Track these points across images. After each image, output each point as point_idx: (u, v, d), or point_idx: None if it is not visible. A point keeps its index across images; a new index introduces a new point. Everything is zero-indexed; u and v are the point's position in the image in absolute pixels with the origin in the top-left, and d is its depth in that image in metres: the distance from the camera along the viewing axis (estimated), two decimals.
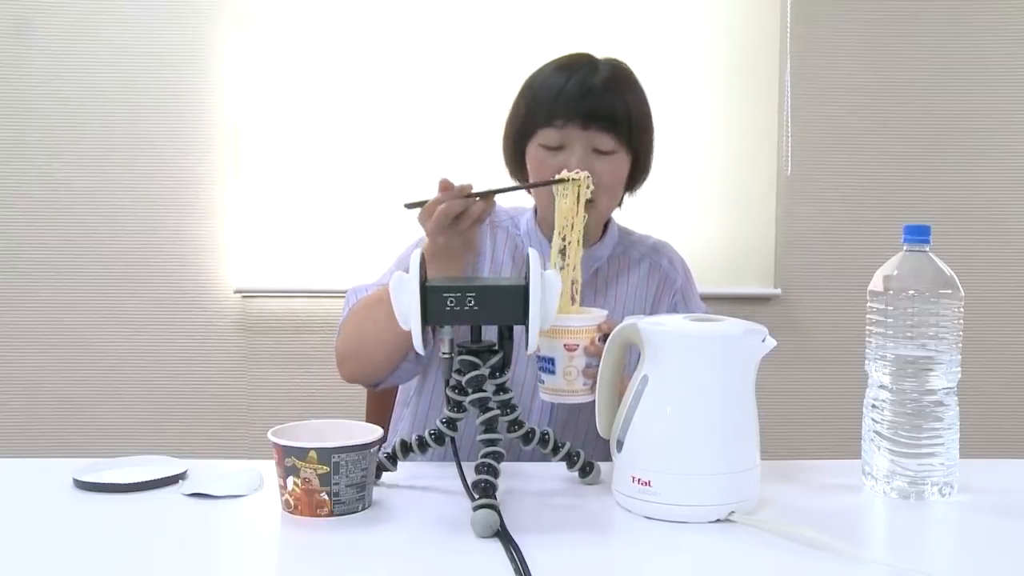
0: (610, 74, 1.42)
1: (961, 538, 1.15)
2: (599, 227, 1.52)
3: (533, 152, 1.43)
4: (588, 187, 1.36)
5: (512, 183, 1.49)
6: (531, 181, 1.45)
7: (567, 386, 1.28)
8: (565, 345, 1.26)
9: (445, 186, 1.31)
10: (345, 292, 1.45)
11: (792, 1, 2.85)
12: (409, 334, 1.41)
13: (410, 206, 1.35)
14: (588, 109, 1.39)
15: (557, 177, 1.37)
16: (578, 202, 1.35)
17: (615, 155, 1.42)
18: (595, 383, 1.25)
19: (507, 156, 1.50)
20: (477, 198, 1.31)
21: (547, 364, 1.28)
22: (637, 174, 1.49)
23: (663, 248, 1.60)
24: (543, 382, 1.30)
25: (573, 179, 1.35)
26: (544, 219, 1.51)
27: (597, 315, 1.31)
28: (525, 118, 1.44)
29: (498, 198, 1.34)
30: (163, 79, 2.81)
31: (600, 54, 1.48)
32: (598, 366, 1.25)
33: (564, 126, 1.39)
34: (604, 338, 1.28)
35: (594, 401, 1.24)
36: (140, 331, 2.84)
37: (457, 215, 1.30)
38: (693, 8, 2.86)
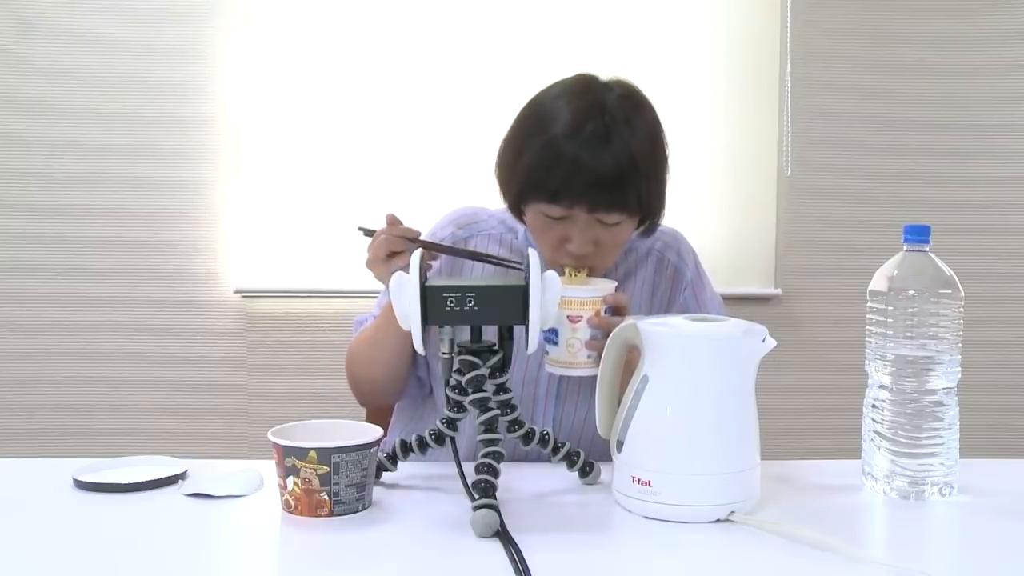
0: (617, 135, 1.30)
1: (961, 538, 1.15)
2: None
3: (534, 214, 1.37)
4: (583, 274, 1.35)
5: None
6: (530, 232, 1.42)
7: (570, 358, 1.28)
8: (568, 316, 1.26)
9: (390, 220, 1.36)
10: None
11: (792, 1, 2.85)
12: (401, 375, 1.45)
13: (363, 231, 1.39)
14: (594, 197, 1.31)
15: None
16: (571, 276, 1.35)
17: (619, 224, 1.35)
18: (600, 356, 1.24)
19: (504, 196, 1.42)
20: (419, 247, 1.31)
21: (550, 335, 1.28)
22: (645, 225, 1.42)
23: (672, 240, 1.54)
24: (547, 353, 1.30)
25: (568, 271, 1.35)
26: None
27: (603, 287, 1.30)
28: (527, 182, 1.35)
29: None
30: (163, 79, 2.81)
31: (609, 75, 1.38)
32: (603, 338, 1.25)
33: (569, 208, 1.32)
34: (610, 311, 1.29)
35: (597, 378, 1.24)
36: (140, 331, 2.84)
37: (394, 254, 1.33)
38: (693, 8, 2.86)
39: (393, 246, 1.34)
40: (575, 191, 1.31)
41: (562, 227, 1.35)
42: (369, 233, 1.37)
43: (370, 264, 1.37)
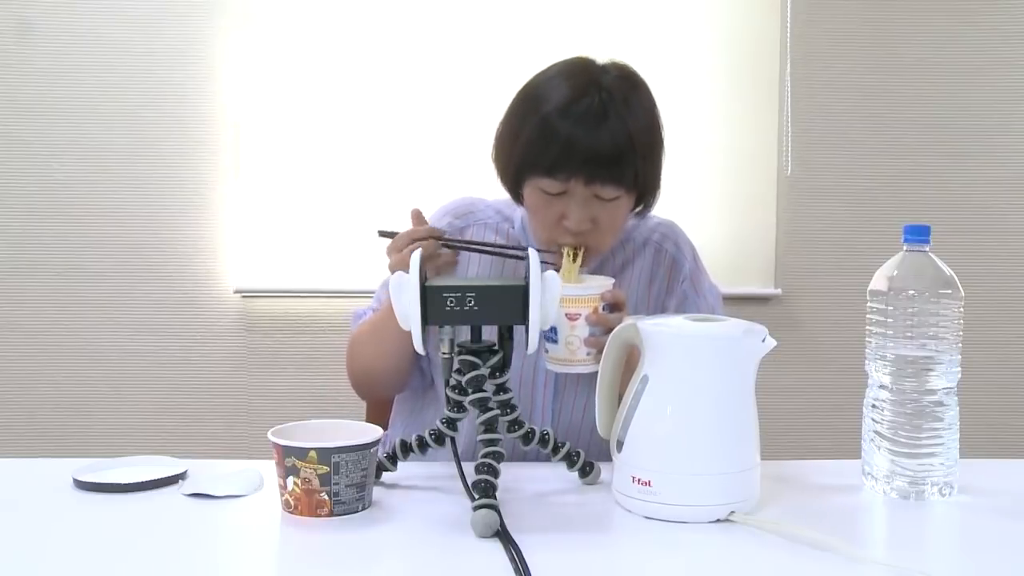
0: (614, 111, 1.32)
1: (961, 538, 1.15)
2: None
3: (532, 191, 1.38)
4: (580, 253, 1.36)
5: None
6: (528, 213, 1.43)
7: (569, 356, 1.29)
8: (567, 314, 1.26)
9: (416, 216, 1.34)
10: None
11: (792, 1, 2.85)
12: (405, 366, 1.45)
13: (383, 234, 1.37)
14: (592, 168, 1.32)
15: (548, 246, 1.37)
16: (573, 261, 1.35)
17: (617, 200, 1.36)
18: (599, 353, 1.24)
19: (502, 177, 1.43)
20: (444, 248, 1.32)
21: (550, 333, 1.28)
22: (641, 205, 1.43)
23: (669, 231, 1.55)
24: (547, 351, 1.30)
25: (566, 252, 1.35)
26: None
27: (600, 284, 1.31)
28: (525, 158, 1.36)
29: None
30: (163, 79, 2.81)
31: (606, 57, 1.40)
32: (601, 335, 1.26)
33: (567, 180, 1.33)
34: (608, 307, 1.29)
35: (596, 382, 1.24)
36: (140, 331, 2.84)
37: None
38: (693, 8, 2.86)
39: (425, 252, 1.30)
40: (572, 163, 1.32)
41: (560, 204, 1.36)
42: (389, 235, 1.36)
43: (394, 268, 1.33)
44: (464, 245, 1.43)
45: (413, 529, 1.10)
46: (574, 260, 1.35)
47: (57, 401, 2.84)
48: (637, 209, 1.43)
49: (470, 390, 1.16)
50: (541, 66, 1.42)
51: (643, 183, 1.38)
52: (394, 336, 1.28)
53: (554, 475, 1.28)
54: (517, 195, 1.42)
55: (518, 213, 1.50)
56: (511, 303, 1.12)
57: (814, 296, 2.91)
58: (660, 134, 1.40)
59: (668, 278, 1.52)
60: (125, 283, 2.83)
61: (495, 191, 1.46)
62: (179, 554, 1.03)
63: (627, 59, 1.43)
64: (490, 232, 1.50)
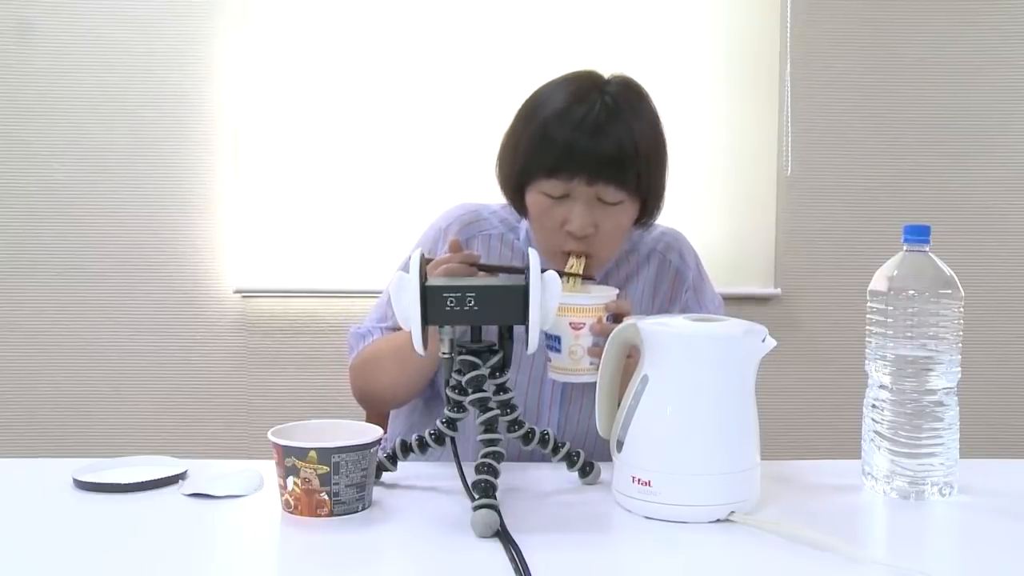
0: (619, 113, 1.34)
1: (961, 538, 1.15)
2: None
3: (535, 196, 1.38)
4: (579, 271, 1.36)
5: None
6: (531, 220, 1.42)
7: (572, 365, 1.28)
8: (571, 323, 1.26)
9: (455, 247, 1.33)
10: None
11: (792, 1, 2.85)
12: (418, 379, 1.44)
13: None
14: (595, 167, 1.33)
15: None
16: (577, 269, 1.36)
17: (620, 205, 1.36)
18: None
19: (504, 186, 1.44)
20: (480, 272, 1.32)
21: (553, 342, 1.28)
22: (645, 215, 1.43)
23: (673, 241, 1.55)
24: (550, 360, 1.30)
25: (570, 274, 1.35)
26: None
27: (606, 294, 1.31)
28: (527, 162, 1.37)
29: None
30: (163, 79, 2.81)
31: (609, 72, 1.40)
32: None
33: (569, 180, 1.34)
34: (613, 318, 1.29)
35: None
36: (140, 331, 2.84)
37: None
38: (694, 8, 2.86)
39: (459, 274, 1.29)
40: (574, 164, 1.32)
41: (563, 209, 1.36)
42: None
43: None
44: (499, 268, 1.39)
45: (413, 529, 1.10)
46: (578, 268, 1.35)
47: (57, 401, 2.84)
48: (641, 220, 1.43)
49: (470, 390, 1.16)
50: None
51: (646, 189, 1.38)
52: (419, 358, 1.21)
53: (554, 475, 1.28)
54: (520, 205, 1.42)
55: (523, 224, 1.50)
56: (511, 303, 1.12)
57: (814, 296, 2.91)
58: (664, 145, 1.41)
59: (672, 288, 1.52)
60: (125, 283, 2.83)
61: (495, 194, 1.46)
62: (179, 554, 1.03)
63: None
64: (495, 243, 1.49)
